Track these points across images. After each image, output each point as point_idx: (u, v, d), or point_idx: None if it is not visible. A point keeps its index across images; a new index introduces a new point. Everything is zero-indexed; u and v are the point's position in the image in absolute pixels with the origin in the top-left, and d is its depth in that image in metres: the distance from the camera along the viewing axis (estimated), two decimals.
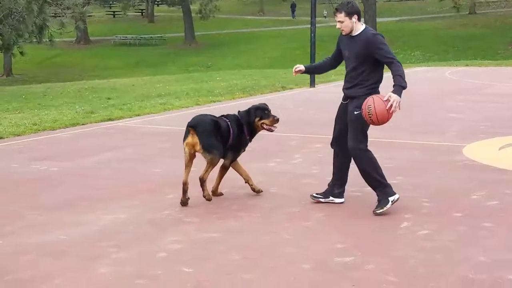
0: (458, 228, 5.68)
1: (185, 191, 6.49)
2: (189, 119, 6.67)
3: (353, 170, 8.01)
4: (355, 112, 6.18)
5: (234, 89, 18.29)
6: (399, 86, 5.96)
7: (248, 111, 6.94)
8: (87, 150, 9.68)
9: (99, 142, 10.43)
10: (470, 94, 16.14)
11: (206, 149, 6.47)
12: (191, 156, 6.60)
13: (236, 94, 17.06)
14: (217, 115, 6.86)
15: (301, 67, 6.73)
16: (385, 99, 5.91)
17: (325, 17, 60.13)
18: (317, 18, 19.95)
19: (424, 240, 5.37)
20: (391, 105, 5.88)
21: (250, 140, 6.98)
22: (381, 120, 5.96)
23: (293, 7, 63.94)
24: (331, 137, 6.61)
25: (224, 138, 6.62)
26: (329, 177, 7.56)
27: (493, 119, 11.80)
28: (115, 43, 56.13)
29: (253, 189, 6.89)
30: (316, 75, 19.34)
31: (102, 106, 15.23)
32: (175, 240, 5.45)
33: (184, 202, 6.50)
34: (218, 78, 23.52)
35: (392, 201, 6.15)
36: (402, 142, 9.84)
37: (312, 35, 19.16)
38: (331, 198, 6.56)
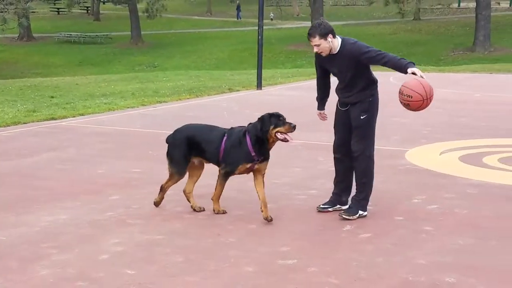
0: (399, 231, 5.78)
1: (187, 199, 6.46)
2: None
3: (300, 172, 8.08)
4: (362, 117, 6.09)
5: (180, 90, 18.20)
6: (410, 63, 5.78)
7: (262, 120, 6.12)
8: (28, 150, 9.51)
9: (41, 141, 10.25)
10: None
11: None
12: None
13: (182, 95, 16.99)
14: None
15: (320, 111, 6.57)
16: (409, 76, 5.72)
17: (271, 19, 60.41)
18: (264, 21, 19.98)
19: (365, 243, 5.44)
20: (419, 75, 5.63)
21: (261, 153, 6.17)
22: (425, 92, 5.62)
23: (238, 8, 64.05)
24: (332, 144, 6.46)
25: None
26: (276, 180, 7.61)
27: (434, 124, 12.01)
28: (59, 41, 55.16)
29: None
30: (263, 78, 19.44)
31: (45, 105, 14.97)
32: (117, 242, 5.40)
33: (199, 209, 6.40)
34: (164, 79, 23.38)
35: (360, 215, 6.13)
36: None
37: (260, 37, 19.20)
38: (338, 206, 6.41)
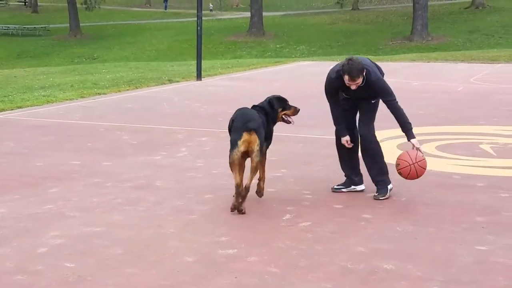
0: (338, 219, 5.87)
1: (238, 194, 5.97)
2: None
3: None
4: (373, 101, 6.57)
5: (120, 82, 18.01)
6: (412, 131, 6.52)
7: (270, 102, 6.41)
8: None
9: None
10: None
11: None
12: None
13: (122, 86, 16.82)
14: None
15: (347, 137, 6.66)
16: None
17: (211, 10, 60.23)
18: (203, 11, 19.93)
19: (305, 231, 5.50)
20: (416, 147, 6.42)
21: None
22: (410, 158, 6.35)
23: None
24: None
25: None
26: (214, 170, 7.64)
27: None
28: None
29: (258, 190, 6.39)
30: (203, 69, 19.40)
31: None
32: (56, 234, 5.34)
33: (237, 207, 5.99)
34: (103, 70, 23.10)
35: (389, 189, 6.56)
36: (286, 136, 10.02)
37: (199, 28, 19.12)
38: (352, 187, 6.79)
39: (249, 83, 18.48)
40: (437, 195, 6.74)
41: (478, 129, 10.63)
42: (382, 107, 6.62)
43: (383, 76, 6.57)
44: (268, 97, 6.56)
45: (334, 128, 6.75)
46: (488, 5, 49.05)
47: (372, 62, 6.60)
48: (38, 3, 66.42)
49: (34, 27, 54.77)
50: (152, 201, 6.41)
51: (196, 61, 19.26)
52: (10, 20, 58.38)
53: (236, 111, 6.22)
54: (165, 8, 63.92)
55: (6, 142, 9.39)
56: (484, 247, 5.14)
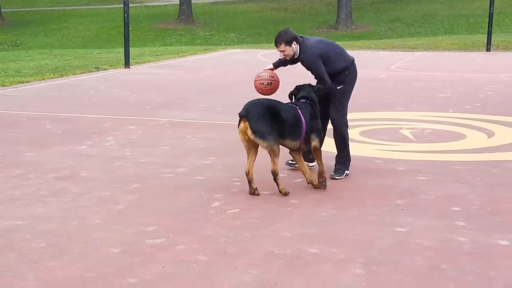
0: (266, 205, 5.87)
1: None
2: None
3: (168, 150, 8.02)
4: (338, 87, 6.85)
5: (44, 70, 17.56)
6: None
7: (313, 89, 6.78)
8: None
9: None
10: (280, 76, 16.59)
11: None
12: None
13: (46, 74, 16.40)
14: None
15: (270, 66, 7.15)
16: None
17: None
18: None
19: (233, 218, 5.49)
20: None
21: None
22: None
23: None
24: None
25: None
26: (142, 159, 7.55)
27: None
28: None
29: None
30: (131, 56, 19.13)
31: None
32: None
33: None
34: (27, 58, 22.46)
35: (346, 174, 6.89)
36: (215, 123, 9.99)
37: (126, 15, 18.77)
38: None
39: (178, 71, 18.31)
40: (360, 179, 6.85)
41: (398, 115, 10.83)
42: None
43: (351, 62, 7.02)
44: (304, 85, 6.84)
45: None
46: None
47: (331, 46, 6.96)
48: None
49: None
50: (77, 192, 6.26)
51: (124, 49, 18.96)
52: None
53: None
54: None
55: None
56: (403, 229, 5.25)
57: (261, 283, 4.18)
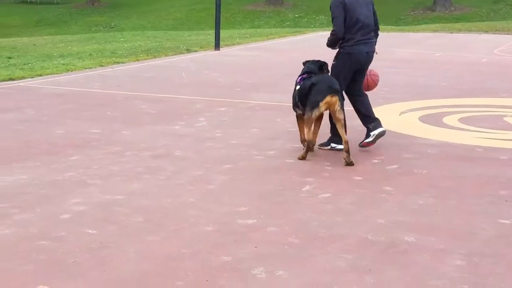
0: (358, 191, 5.83)
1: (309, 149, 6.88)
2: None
3: (258, 133, 8.09)
4: (333, 62, 7.19)
5: (137, 51, 17.96)
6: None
7: (322, 67, 7.20)
8: None
9: None
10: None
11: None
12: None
13: (140, 55, 16.78)
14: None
15: None
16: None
17: None
18: None
19: (325, 203, 5.48)
20: None
21: None
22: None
23: None
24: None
25: None
26: (233, 140, 7.63)
27: (392, 85, 12.06)
28: (15, 1, 53.76)
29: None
30: (221, 39, 19.30)
31: (3, 65, 14.63)
32: (78, 201, 5.35)
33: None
34: (121, 39, 23.03)
35: (332, 146, 7.29)
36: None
37: None
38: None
39: (267, 53, 18.37)
40: (459, 167, 6.68)
41: (501, 102, 10.50)
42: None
43: (353, 42, 7.07)
44: (313, 61, 7.24)
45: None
46: None
47: (357, 11, 7.17)
48: None
49: None
50: (171, 170, 6.40)
51: (214, 31, 19.16)
52: None
53: (313, 76, 6.88)
54: None
55: (27, 110, 9.41)
56: (507, 221, 5.09)
57: (355, 268, 4.17)
